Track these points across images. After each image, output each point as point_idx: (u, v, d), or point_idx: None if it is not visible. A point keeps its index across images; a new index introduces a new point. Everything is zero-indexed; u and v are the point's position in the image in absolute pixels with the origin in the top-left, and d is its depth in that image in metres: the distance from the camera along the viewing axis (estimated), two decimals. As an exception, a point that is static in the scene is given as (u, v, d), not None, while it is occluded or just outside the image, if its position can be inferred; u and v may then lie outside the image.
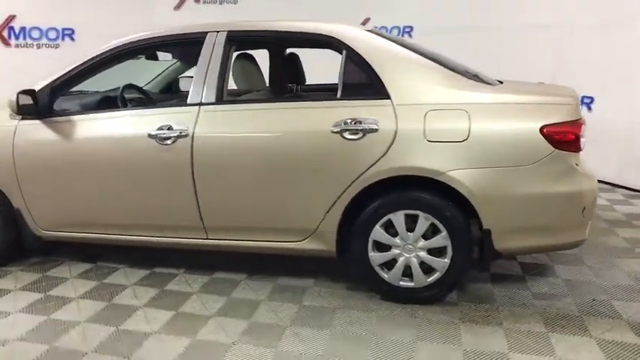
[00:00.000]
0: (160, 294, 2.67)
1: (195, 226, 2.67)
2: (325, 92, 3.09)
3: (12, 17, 5.69)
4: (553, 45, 5.07)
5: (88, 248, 3.17)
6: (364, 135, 2.34)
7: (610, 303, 2.51)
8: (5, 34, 5.72)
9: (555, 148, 2.24)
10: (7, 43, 5.75)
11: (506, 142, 2.28)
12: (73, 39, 5.75)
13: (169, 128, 2.54)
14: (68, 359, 2.10)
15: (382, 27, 6.26)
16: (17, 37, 5.70)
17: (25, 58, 5.72)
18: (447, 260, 2.41)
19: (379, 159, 2.34)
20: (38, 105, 2.65)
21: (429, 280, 2.45)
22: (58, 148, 2.71)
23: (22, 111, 2.64)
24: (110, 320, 2.40)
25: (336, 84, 2.55)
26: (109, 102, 3.11)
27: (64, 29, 5.68)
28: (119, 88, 3.12)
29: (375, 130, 2.33)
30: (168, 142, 2.54)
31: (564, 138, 2.25)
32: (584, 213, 2.34)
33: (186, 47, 3.04)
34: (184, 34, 2.74)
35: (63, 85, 2.78)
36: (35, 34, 5.71)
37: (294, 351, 2.13)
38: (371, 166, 2.35)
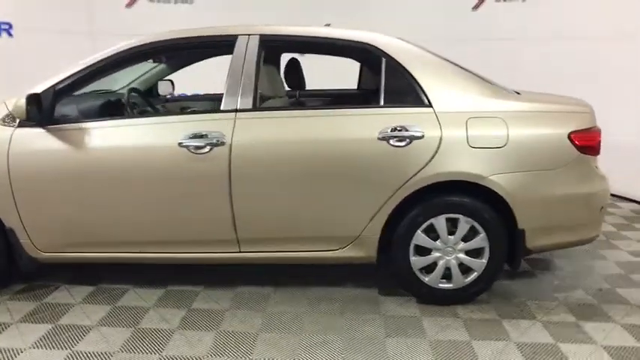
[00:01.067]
0: (188, 313, 2.49)
1: (228, 239, 2.52)
2: (340, 98, 3.09)
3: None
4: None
5: (79, 269, 2.86)
6: (410, 142, 2.39)
7: (615, 291, 2.80)
8: None
9: (580, 152, 2.46)
10: None
11: (539, 148, 2.45)
12: (10, 34, 5.10)
13: (202, 136, 2.38)
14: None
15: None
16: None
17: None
18: (484, 260, 2.53)
19: (425, 165, 2.39)
20: (42, 110, 2.34)
21: (466, 280, 2.56)
22: (67, 159, 2.41)
23: (30, 117, 2.32)
24: (150, 347, 2.19)
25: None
26: (114, 107, 2.84)
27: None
28: (113, 92, 2.86)
29: (421, 137, 2.39)
30: (203, 151, 2.38)
31: (588, 143, 2.47)
32: (602, 211, 2.59)
33: (212, 49, 2.86)
34: (212, 35, 2.58)
35: (68, 88, 2.50)
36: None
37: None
38: (417, 173, 2.40)
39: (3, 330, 2.31)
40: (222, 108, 2.46)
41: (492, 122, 2.43)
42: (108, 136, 2.44)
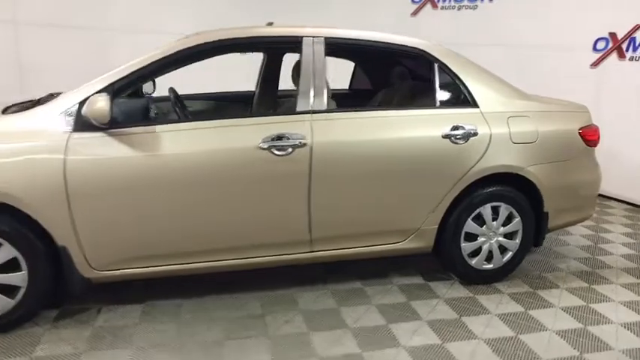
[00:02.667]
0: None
1: (301, 240, 2.53)
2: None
3: None
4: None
5: (109, 286, 2.57)
6: (468, 139, 2.64)
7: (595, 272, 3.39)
8: None
9: (586, 145, 2.95)
10: None
11: (558, 142, 2.88)
12: None
13: (281, 138, 2.35)
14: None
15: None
16: None
17: None
18: (517, 241, 2.90)
19: (479, 160, 2.67)
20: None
21: (503, 260, 2.91)
22: (135, 165, 2.19)
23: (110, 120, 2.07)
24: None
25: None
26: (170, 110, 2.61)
27: None
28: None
29: (476, 135, 2.66)
30: (284, 153, 2.35)
31: (592, 137, 2.97)
32: (597, 193, 3.13)
33: (276, 48, 2.75)
34: (278, 35, 2.54)
35: (126, 87, 2.26)
36: None
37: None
38: (473, 167, 2.66)
39: (75, 362, 2.05)
40: (297, 109, 2.45)
41: (526, 120, 2.80)
42: (178, 139, 2.27)
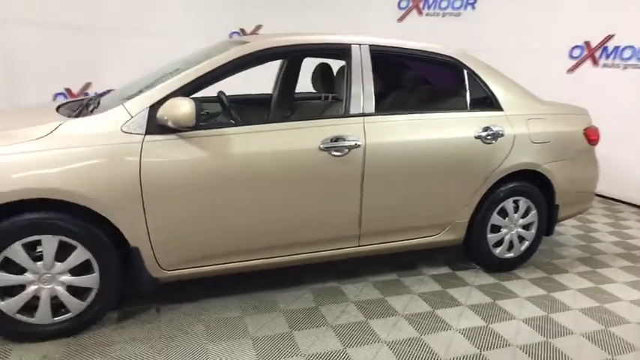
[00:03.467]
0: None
1: (351, 235, 2.68)
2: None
3: None
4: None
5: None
6: (496, 139, 2.89)
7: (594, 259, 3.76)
8: None
9: (589, 144, 3.29)
10: None
11: (568, 141, 3.19)
12: None
13: (339, 140, 2.50)
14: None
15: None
16: None
17: None
18: (533, 231, 3.19)
19: (505, 158, 2.93)
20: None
21: (521, 249, 3.19)
22: (207, 167, 2.26)
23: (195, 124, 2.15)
24: None
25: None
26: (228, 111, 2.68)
27: None
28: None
29: (502, 135, 2.91)
30: (341, 153, 2.50)
31: (594, 137, 3.31)
32: (595, 188, 3.49)
33: (325, 55, 2.85)
34: (329, 43, 2.67)
35: (191, 91, 2.33)
36: None
37: None
38: (500, 165, 2.92)
39: None
40: (350, 112, 2.60)
41: (542, 122, 3.09)
42: (248, 141, 2.36)
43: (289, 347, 2.25)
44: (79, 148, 2.10)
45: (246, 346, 2.24)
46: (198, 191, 2.27)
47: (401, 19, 6.42)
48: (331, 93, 3.51)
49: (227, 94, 2.85)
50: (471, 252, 3.14)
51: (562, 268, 3.30)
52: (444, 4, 6.21)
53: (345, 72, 2.67)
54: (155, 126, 2.20)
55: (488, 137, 2.87)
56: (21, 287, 2.10)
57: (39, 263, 2.10)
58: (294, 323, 2.45)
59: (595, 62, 5.13)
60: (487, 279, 3.08)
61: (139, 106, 2.21)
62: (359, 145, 2.54)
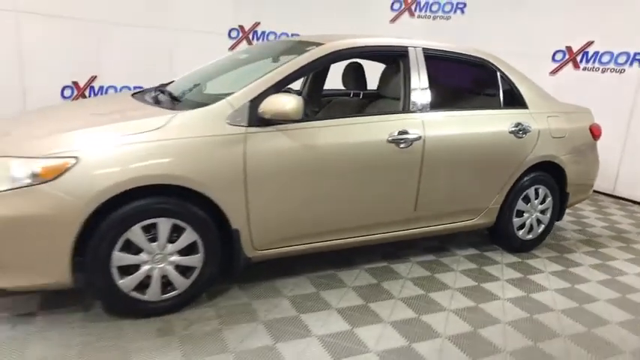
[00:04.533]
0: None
1: (407, 218, 3.00)
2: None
3: None
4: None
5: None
6: (526, 134, 3.30)
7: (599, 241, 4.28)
8: None
9: (594, 139, 3.78)
10: None
11: (578, 136, 3.65)
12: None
13: (404, 133, 2.81)
14: None
15: (271, 32, 6.72)
16: None
17: None
18: (548, 216, 3.63)
19: (532, 151, 3.34)
20: None
21: (538, 231, 3.63)
22: (296, 156, 2.50)
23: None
24: None
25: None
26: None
27: None
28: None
29: (530, 131, 3.32)
30: (406, 145, 2.81)
31: (597, 133, 3.80)
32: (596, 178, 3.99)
33: (386, 58, 3.10)
34: (391, 46, 2.96)
35: (283, 86, 2.56)
36: None
37: None
38: (528, 156, 3.33)
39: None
40: (411, 109, 2.91)
41: (559, 119, 3.53)
42: (329, 133, 2.62)
43: (372, 315, 2.54)
44: (191, 138, 2.29)
45: (334, 316, 2.51)
46: (290, 178, 2.51)
47: (393, 20, 6.78)
48: (362, 90, 3.82)
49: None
50: (498, 234, 3.54)
51: (569, 249, 3.77)
52: (434, 8, 6.63)
53: (403, 72, 2.97)
54: (256, 118, 2.42)
55: (520, 132, 3.27)
56: (136, 267, 2.27)
57: (153, 244, 2.27)
58: (367, 297, 2.74)
59: (576, 66, 5.70)
60: (512, 258, 3.49)
61: (241, 100, 2.43)
62: (420, 138, 2.86)
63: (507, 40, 6.07)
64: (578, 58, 5.69)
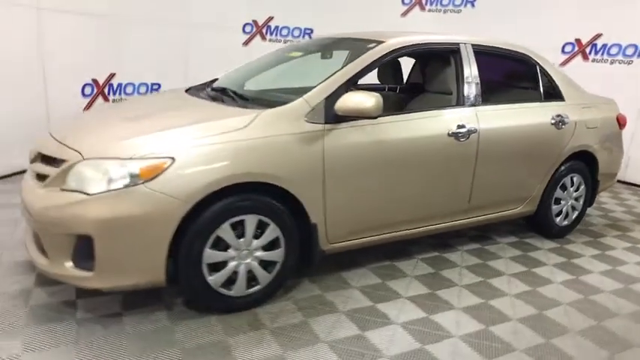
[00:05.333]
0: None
1: (462, 209, 3.11)
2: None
3: None
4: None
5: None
6: (565, 125, 3.44)
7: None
8: None
9: (620, 128, 3.95)
10: None
11: (608, 126, 3.82)
12: None
13: (462, 127, 2.91)
14: None
15: (284, 27, 6.74)
16: None
17: None
18: (581, 203, 3.80)
19: (569, 141, 3.49)
20: None
21: (573, 217, 3.79)
22: (368, 152, 2.59)
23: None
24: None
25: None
26: None
27: None
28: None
29: (568, 122, 3.46)
30: (464, 138, 2.91)
31: (623, 122, 3.97)
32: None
33: (440, 54, 3.16)
34: (446, 42, 3.06)
35: (353, 83, 2.62)
36: None
37: None
38: (566, 146, 3.47)
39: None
40: (465, 103, 3.01)
41: (592, 110, 3.68)
42: (398, 128, 2.70)
43: (442, 302, 2.65)
44: (275, 136, 2.35)
45: (408, 305, 2.61)
46: (361, 172, 2.59)
47: (404, 14, 6.87)
48: (399, 85, 3.91)
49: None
50: (537, 221, 3.68)
51: (600, 233, 3.95)
52: (445, 1, 6.73)
53: (455, 67, 3.07)
54: (331, 115, 2.48)
55: (559, 123, 3.41)
56: (223, 263, 2.33)
57: (240, 240, 2.33)
58: (431, 285, 2.85)
59: (585, 57, 5.89)
60: (550, 244, 3.64)
61: (317, 98, 2.49)
62: (475, 131, 2.96)
63: (518, 32, 6.18)
64: (587, 50, 5.88)
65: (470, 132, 2.94)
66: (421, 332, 2.36)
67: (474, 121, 2.98)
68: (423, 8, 6.81)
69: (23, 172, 4.43)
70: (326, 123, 2.48)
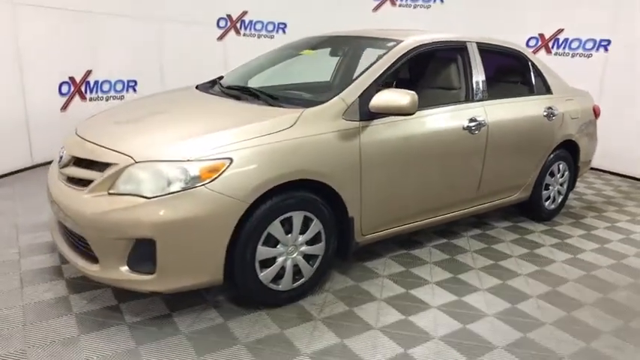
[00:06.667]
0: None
1: (471, 197, 3.32)
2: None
3: None
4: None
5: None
6: (554, 116, 3.73)
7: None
8: None
9: (595, 117, 4.32)
10: None
11: (586, 116, 4.16)
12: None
13: (474, 120, 3.11)
14: (545, 302, 2.68)
15: (258, 21, 6.72)
16: None
17: None
18: (565, 188, 4.14)
19: (558, 131, 3.79)
20: None
21: (558, 201, 4.12)
22: (399, 146, 2.73)
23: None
24: (494, 280, 2.91)
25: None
26: None
27: None
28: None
29: (557, 114, 3.76)
30: (477, 131, 3.11)
31: (598, 112, 4.34)
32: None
33: (450, 53, 3.29)
34: (456, 41, 3.23)
35: (379, 82, 2.74)
36: None
37: None
38: (556, 136, 3.77)
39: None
40: (474, 98, 3.21)
41: (573, 102, 4.01)
42: (422, 123, 2.85)
43: (467, 285, 2.85)
44: (319, 134, 2.43)
45: (437, 289, 2.79)
46: (392, 165, 2.73)
47: (376, 9, 6.99)
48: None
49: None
50: (530, 207, 3.97)
51: (580, 215, 4.32)
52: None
53: (464, 65, 3.25)
54: (365, 112, 2.59)
55: (550, 115, 3.69)
56: (272, 259, 2.39)
57: (288, 236, 2.40)
58: (452, 270, 3.04)
59: (548, 51, 6.31)
60: (542, 227, 3.95)
61: (352, 96, 2.59)
62: (485, 124, 3.17)
63: (484, 28, 6.53)
64: (550, 44, 6.30)
65: (480, 125, 3.14)
66: (458, 313, 2.54)
67: (482, 115, 3.18)
68: (394, 4, 6.98)
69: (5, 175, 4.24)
70: (360, 120, 2.59)
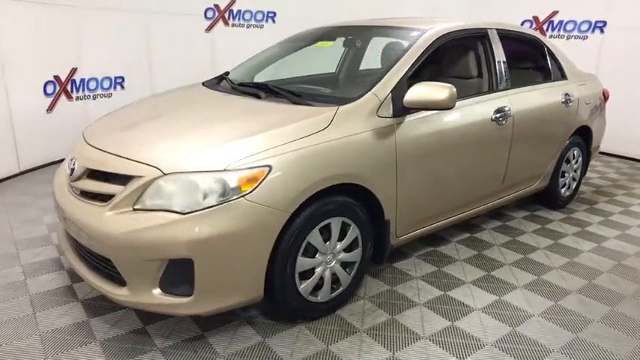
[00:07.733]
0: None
1: (496, 190, 3.22)
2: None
3: None
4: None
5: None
6: (571, 103, 3.65)
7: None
8: None
9: (604, 101, 4.27)
10: None
11: (597, 100, 4.10)
12: None
13: (500, 111, 2.99)
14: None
15: (247, 10, 6.44)
16: None
17: None
18: (579, 173, 4.09)
19: (575, 117, 3.71)
20: None
21: (573, 187, 4.07)
22: (433, 141, 2.59)
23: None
24: (529, 275, 2.82)
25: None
26: None
27: None
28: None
29: (573, 100, 3.68)
30: (504, 122, 3.00)
31: (606, 95, 4.29)
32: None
33: (470, 40, 3.13)
34: (478, 29, 3.08)
35: (409, 74, 2.58)
36: None
37: None
38: (573, 122, 3.70)
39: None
40: (498, 87, 3.08)
41: (586, 87, 3.93)
42: (454, 116, 2.71)
43: (503, 283, 2.75)
44: (357, 134, 2.26)
45: (476, 290, 2.68)
46: (426, 163, 2.60)
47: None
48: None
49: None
50: (548, 195, 3.90)
51: (592, 200, 4.28)
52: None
53: (485, 53, 3.12)
54: (398, 108, 2.44)
55: (567, 102, 3.61)
56: (311, 270, 2.23)
57: (326, 244, 2.24)
58: (483, 267, 2.94)
59: (543, 33, 6.25)
60: (559, 215, 3.89)
61: (385, 91, 2.42)
62: (510, 114, 3.06)
63: (479, 11, 6.46)
64: (545, 27, 6.24)
65: (507, 116, 3.02)
66: (504, 315, 2.44)
67: (508, 105, 3.06)
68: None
69: None
70: (394, 116, 2.43)
